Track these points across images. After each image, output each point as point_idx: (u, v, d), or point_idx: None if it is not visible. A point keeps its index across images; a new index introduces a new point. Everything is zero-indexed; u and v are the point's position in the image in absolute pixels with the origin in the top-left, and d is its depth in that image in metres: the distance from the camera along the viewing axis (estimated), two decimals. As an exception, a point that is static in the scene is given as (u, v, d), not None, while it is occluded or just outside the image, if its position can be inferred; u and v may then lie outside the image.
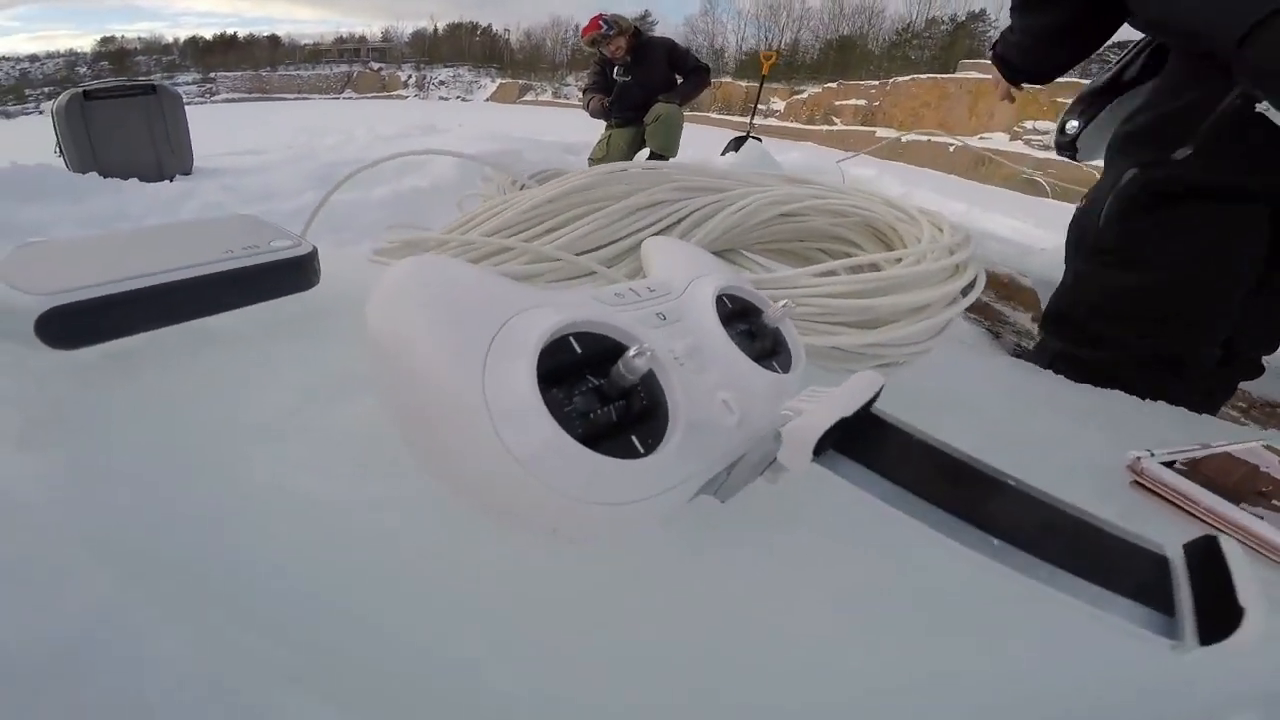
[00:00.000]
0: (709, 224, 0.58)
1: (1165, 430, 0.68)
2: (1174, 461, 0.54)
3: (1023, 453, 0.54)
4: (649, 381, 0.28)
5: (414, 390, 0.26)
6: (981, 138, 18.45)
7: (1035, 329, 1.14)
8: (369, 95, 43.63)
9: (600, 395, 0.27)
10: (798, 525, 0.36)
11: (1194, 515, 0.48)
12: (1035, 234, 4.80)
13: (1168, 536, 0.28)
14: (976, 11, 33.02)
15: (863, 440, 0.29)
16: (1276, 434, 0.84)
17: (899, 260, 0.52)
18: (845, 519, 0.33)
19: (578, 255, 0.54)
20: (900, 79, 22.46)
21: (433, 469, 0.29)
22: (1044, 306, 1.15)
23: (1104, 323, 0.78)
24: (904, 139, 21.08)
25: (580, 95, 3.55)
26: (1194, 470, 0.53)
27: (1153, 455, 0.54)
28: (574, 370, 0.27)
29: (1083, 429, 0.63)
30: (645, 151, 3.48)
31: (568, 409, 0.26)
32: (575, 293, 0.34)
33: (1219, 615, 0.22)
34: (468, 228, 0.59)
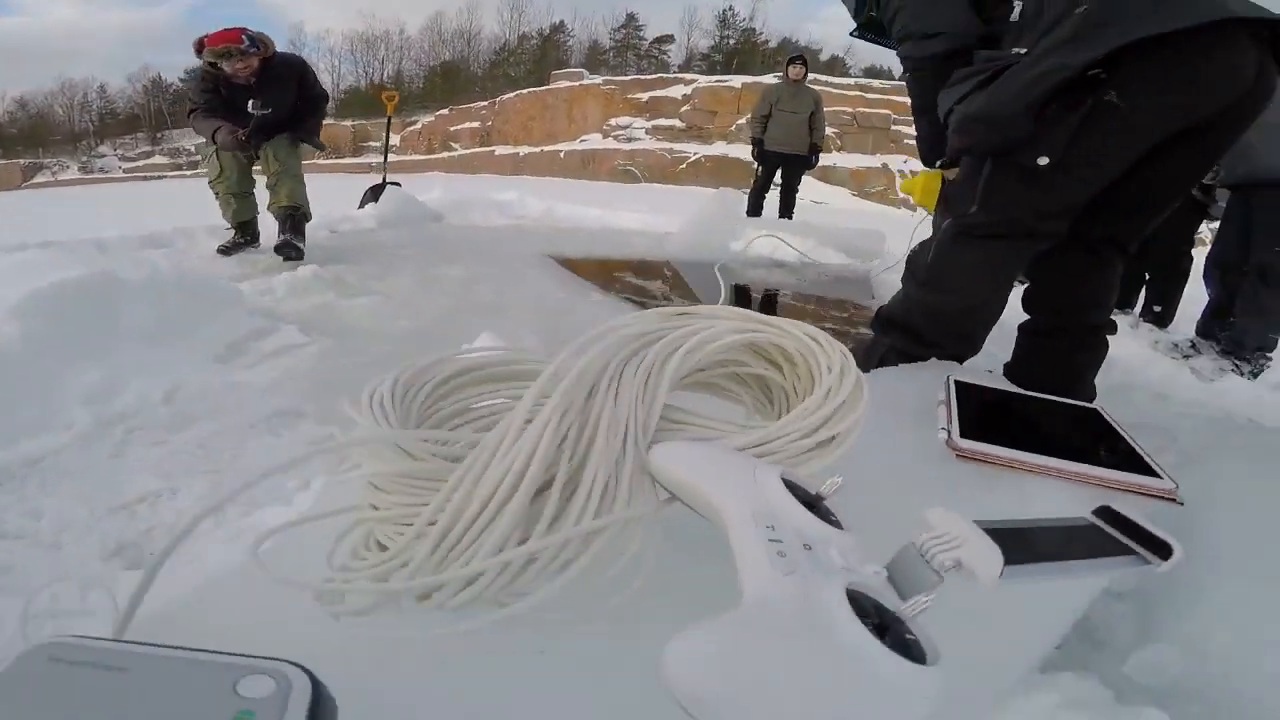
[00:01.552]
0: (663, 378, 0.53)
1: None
2: (961, 426, 0.75)
3: (883, 454, 0.68)
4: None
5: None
6: (582, 140, 21.22)
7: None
8: None
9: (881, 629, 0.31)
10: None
11: (1015, 468, 0.70)
12: (656, 220, 5.61)
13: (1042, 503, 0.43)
14: (557, 23, 37.07)
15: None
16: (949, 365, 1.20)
17: (827, 392, 0.55)
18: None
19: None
20: (506, 97, 23.89)
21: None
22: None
23: (927, 330, 1.15)
24: (521, 153, 22.47)
25: (189, 118, 2.74)
26: (977, 423, 0.76)
27: (947, 430, 0.74)
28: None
29: (900, 420, 0.82)
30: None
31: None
32: (764, 579, 0.34)
33: (1159, 545, 0.41)
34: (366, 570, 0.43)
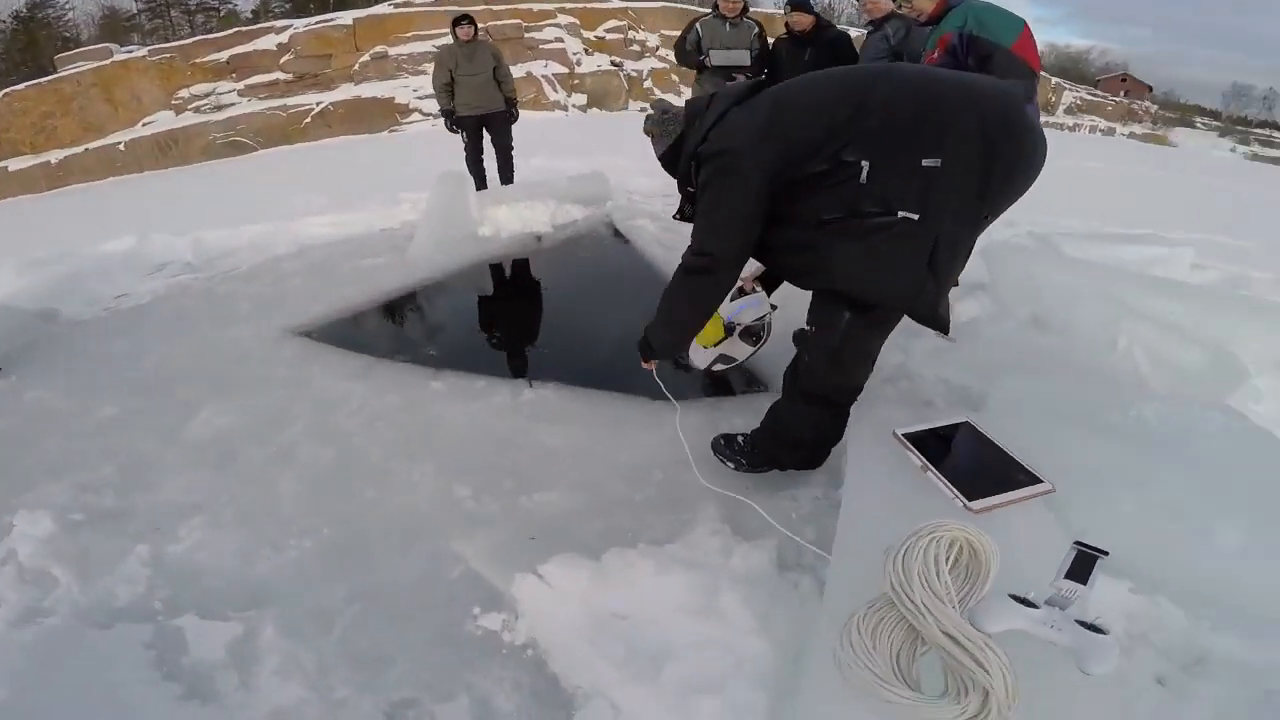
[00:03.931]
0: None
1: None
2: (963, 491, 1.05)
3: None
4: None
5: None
6: (146, 123, 16.09)
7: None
8: None
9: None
10: None
11: (999, 507, 1.03)
12: (351, 218, 4.75)
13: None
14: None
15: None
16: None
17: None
18: None
19: None
20: (-6, 98, 16.25)
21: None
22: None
23: (838, 397, 1.39)
24: (56, 160, 16.37)
25: None
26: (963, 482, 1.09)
27: (960, 500, 0.97)
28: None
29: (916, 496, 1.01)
30: None
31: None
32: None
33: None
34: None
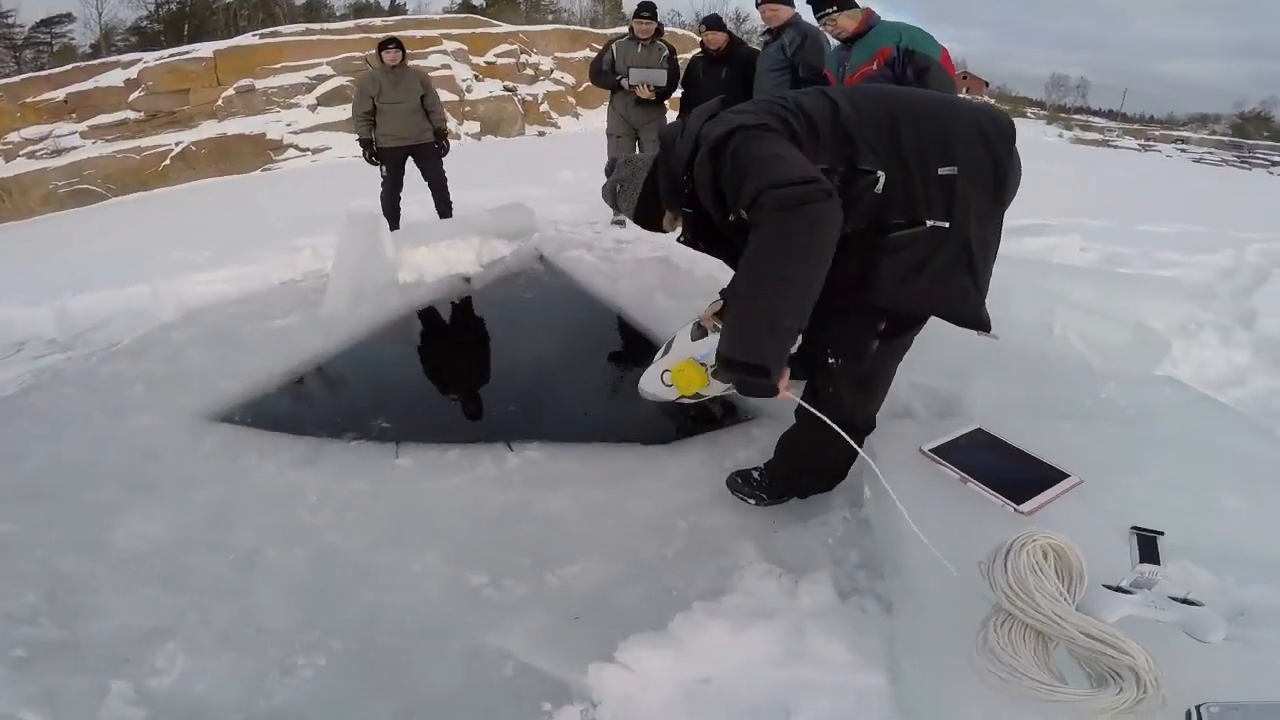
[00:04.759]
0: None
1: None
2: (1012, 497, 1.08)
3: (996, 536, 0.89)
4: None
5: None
6: (-31, 169, 13.99)
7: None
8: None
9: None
10: None
11: (1046, 505, 1.07)
12: (244, 271, 4.36)
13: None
14: None
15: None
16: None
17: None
18: None
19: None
20: None
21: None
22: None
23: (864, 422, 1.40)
24: None
25: None
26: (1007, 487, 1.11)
27: (1012, 506, 1.03)
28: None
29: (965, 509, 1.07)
30: None
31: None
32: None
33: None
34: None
